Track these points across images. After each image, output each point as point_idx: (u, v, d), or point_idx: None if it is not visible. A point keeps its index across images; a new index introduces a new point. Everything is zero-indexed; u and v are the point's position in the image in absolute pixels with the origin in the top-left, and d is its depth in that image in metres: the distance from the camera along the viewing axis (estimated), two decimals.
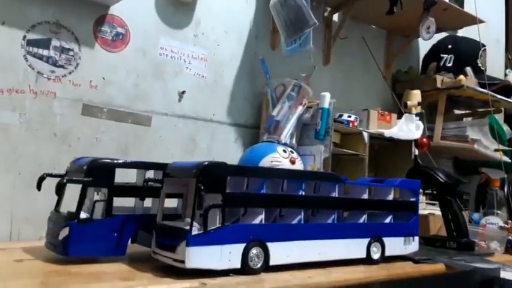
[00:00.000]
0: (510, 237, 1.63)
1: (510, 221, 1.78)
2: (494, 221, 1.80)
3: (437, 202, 1.53)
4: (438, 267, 1.10)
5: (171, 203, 0.95)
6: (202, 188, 0.76)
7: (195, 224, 0.77)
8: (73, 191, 0.86)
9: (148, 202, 0.95)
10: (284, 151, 1.25)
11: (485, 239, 1.56)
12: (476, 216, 1.82)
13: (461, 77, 1.77)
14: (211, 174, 0.79)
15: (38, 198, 1.07)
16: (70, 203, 0.88)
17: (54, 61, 1.14)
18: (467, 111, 2.11)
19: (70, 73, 1.16)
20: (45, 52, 1.13)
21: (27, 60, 1.10)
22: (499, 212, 1.84)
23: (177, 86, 1.36)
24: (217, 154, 1.42)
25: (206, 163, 0.79)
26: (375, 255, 1.01)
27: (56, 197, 0.90)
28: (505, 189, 2.08)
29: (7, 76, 1.08)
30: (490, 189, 1.96)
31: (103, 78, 1.22)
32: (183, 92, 1.36)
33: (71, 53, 1.17)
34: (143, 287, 0.69)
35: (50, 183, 0.88)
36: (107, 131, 1.22)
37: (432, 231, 1.53)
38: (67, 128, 1.16)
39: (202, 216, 0.77)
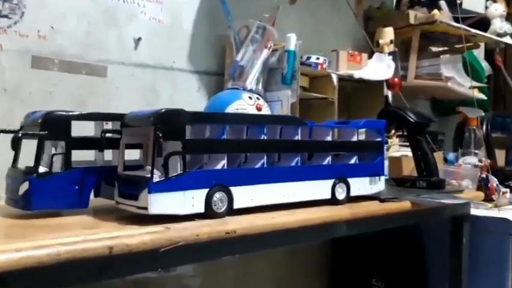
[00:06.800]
0: (484, 175, 1.76)
1: (485, 160, 1.92)
2: (472, 161, 1.92)
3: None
4: (404, 204, 1.21)
5: (134, 154, 1.03)
6: (161, 135, 0.84)
7: (155, 171, 0.85)
8: (30, 146, 0.93)
9: (110, 155, 1.02)
10: (250, 98, 1.32)
11: (458, 178, 1.69)
12: (451, 155, 1.95)
13: (435, 11, 1.85)
14: (169, 122, 0.86)
15: None
16: (27, 159, 0.95)
17: None
18: (444, 48, 2.20)
19: (15, 23, 1.19)
20: None
21: None
22: (477, 151, 1.97)
23: (132, 32, 1.40)
24: (180, 104, 1.46)
25: (163, 110, 0.86)
26: (340, 196, 1.11)
27: (10, 154, 0.96)
28: (483, 128, 2.21)
29: None
30: (467, 128, 2.09)
31: (52, 27, 1.25)
32: (139, 39, 1.40)
33: (14, 1, 1.19)
34: (108, 233, 0.77)
35: (3, 140, 0.93)
36: (60, 83, 1.27)
37: (404, 173, 1.65)
38: (17, 82, 1.20)
39: (163, 163, 0.85)
